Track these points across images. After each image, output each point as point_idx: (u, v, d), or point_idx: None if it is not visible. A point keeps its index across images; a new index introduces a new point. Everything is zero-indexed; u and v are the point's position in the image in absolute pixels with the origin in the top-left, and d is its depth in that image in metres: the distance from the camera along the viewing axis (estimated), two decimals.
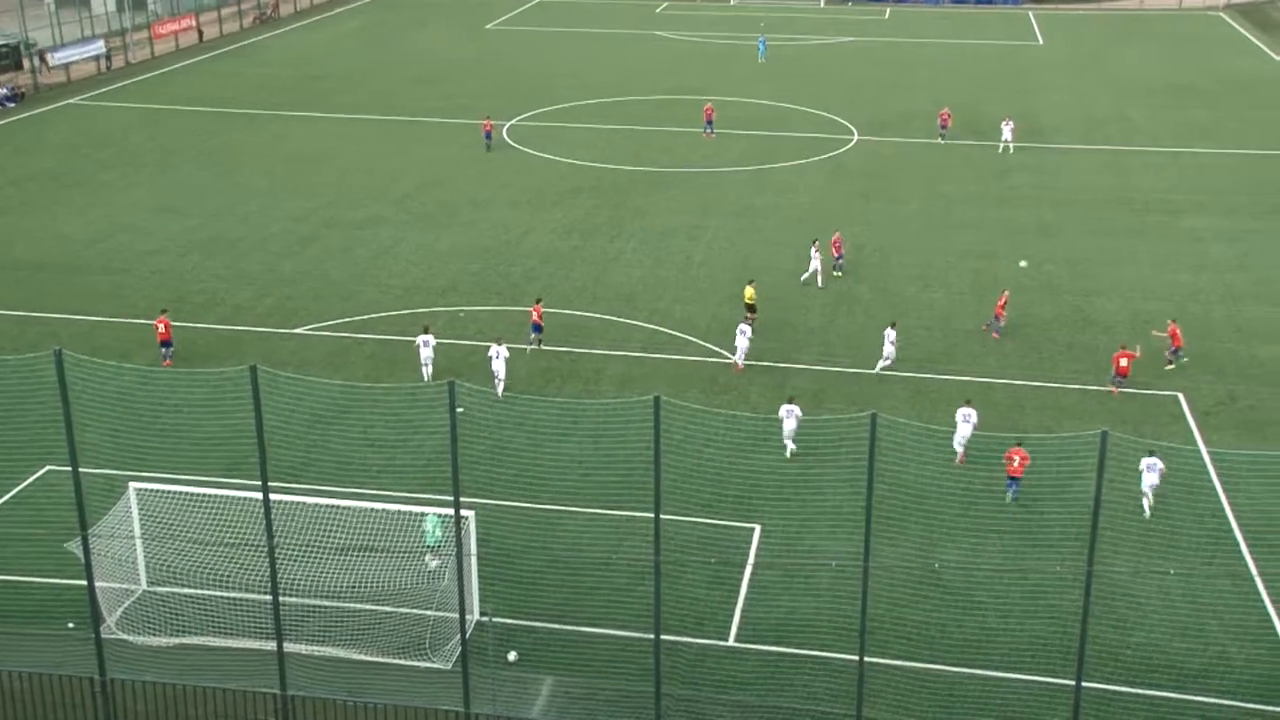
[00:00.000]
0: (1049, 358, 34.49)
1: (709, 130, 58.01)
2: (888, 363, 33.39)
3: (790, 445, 28.84)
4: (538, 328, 34.76)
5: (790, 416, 28.85)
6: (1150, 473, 26.32)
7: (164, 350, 33.89)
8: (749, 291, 36.65)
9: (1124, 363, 32.27)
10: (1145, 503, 26.38)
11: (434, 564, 23.25)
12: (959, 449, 28.50)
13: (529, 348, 34.42)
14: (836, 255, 40.47)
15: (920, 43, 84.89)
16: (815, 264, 39.45)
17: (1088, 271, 40.88)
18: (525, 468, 27.96)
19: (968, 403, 29.01)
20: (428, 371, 32.73)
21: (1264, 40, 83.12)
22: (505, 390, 31.88)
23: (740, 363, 33.66)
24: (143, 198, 49.39)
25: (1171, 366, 33.44)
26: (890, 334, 33.50)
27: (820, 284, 39.19)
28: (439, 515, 23.27)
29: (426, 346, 32.77)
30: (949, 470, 27.44)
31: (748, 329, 34.09)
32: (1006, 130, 55.82)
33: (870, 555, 19.41)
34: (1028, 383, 32.96)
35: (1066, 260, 41.85)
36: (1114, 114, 63.41)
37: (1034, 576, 24.37)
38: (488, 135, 55.99)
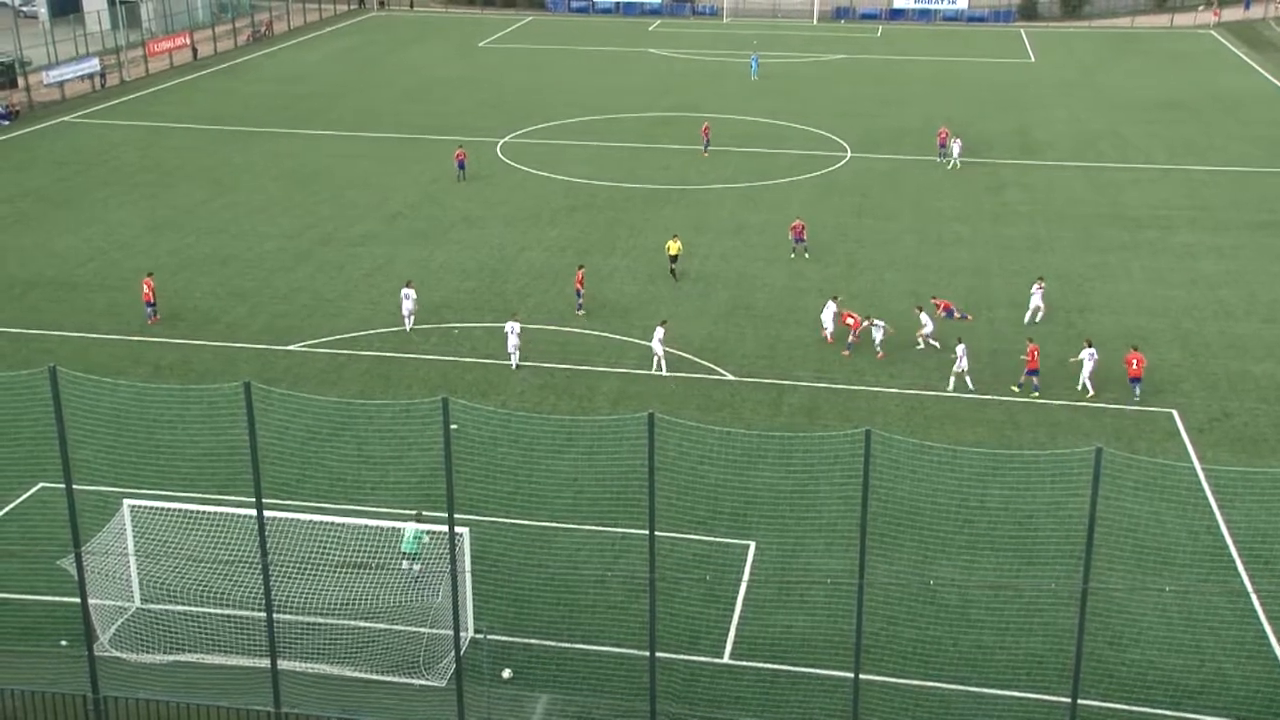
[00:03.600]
0: (1043, 374, 34.49)
1: (706, 149, 58.20)
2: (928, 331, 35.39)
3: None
4: (579, 293, 38.67)
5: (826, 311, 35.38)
6: (1089, 361, 32.86)
7: (149, 309, 37.77)
8: (674, 244, 41.53)
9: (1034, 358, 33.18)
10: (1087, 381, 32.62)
11: (415, 568, 23.35)
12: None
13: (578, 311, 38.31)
14: (797, 239, 43.86)
15: (913, 60, 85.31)
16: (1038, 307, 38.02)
17: (1081, 287, 41.00)
18: (520, 484, 27.93)
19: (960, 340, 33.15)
20: (410, 323, 37.00)
21: (1254, 58, 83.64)
22: (521, 360, 34.51)
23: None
24: (136, 215, 49.40)
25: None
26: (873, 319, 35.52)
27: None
28: (418, 526, 23.58)
29: (408, 300, 36.91)
30: (943, 486, 27.46)
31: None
32: (955, 146, 56.08)
33: (865, 572, 19.42)
34: (1022, 399, 33.01)
35: (1060, 276, 41.96)
36: (1106, 130, 63.72)
37: (1029, 593, 24.37)
38: (460, 165, 53.65)
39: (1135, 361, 32.74)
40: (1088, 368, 33.03)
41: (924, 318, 35.88)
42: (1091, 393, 32.90)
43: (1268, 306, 39.52)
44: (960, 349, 33.42)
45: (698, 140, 59.18)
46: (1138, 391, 32.77)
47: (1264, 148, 59.69)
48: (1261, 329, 37.73)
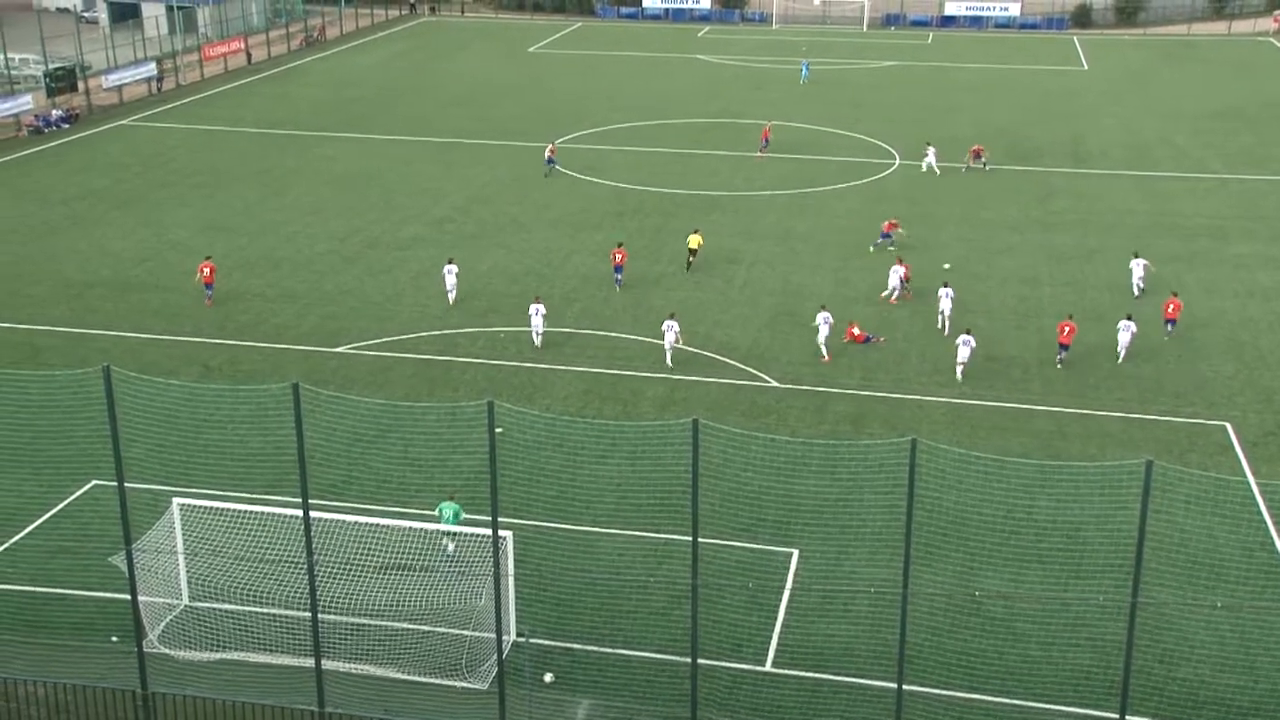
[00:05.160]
0: (1093, 385, 34.13)
1: (764, 149, 58.92)
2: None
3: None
4: (619, 269, 40.98)
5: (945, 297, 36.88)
6: (1124, 333, 35.25)
7: (207, 291, 39.97)
8: (695, 239, 43.22)
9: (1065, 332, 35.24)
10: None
11: (451, 548, 23.73)
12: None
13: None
14: (884, 235, 45.47)
15: (963, 67, 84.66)
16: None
17: (1132, 298, 40.44)
18: (563, 489, 27.99)
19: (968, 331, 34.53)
20: (452, 296, 39.85)
21: None
22: (542, 340, 36.28)
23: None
24: (191, 217, 50.11)
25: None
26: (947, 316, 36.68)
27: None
28: (455, 501, 24.66)
29: (450, 275, 39.81)
30: (990, 497, 27.19)
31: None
32: (930, 153, 56.21)
33: (909, 581, 19.26)
34: (1071, 410, 32.63)
35: (1110, 286, 41.45)
36: (1160, 139, 62.86)
37: (1077, 607, 24.06)
38: (550, 160, 56.00)
39: (1172, 306, 36.94)
40: (1124, 340, 35.33)
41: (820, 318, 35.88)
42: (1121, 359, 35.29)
43: None
44: (962, 339, 34.31)
45: (745, 146, 59.04)
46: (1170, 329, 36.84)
47: None
48: None
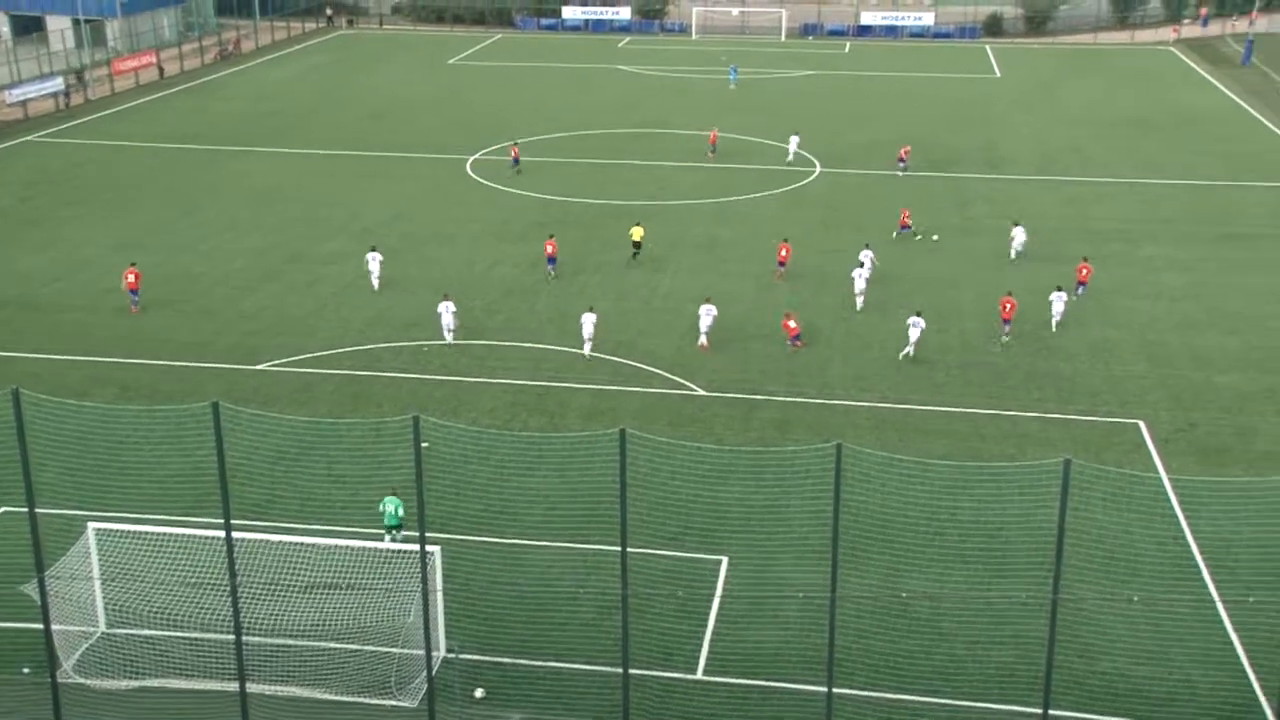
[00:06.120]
0: (1011, 386, 34.80)
1: (712, 153, 61.01)
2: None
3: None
4: (551, 260, 42.91)
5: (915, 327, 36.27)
6: (1058, 303, 38.16)
7: (133, 297, 39.90)
8: (637, 231, 45.01)
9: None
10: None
11: (387, 539, 24.19)
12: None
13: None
14: (903, 228, 48.16)
15: (880, 76, 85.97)
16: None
17: (1046, 300, 41.29)
18: (491, 502, 27.83)
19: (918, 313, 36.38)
20: (377, 283, 41.67)
21: (1213, 74, 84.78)
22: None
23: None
24: (102, 234, 49.01)
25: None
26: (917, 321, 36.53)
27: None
28: (398, 497, 24.93)
29: (374, 261, 41.75)
30: (914, 500, 27.57)
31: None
32: (794, 142, 60.33)
33: (837, 586, 19.45)
34: (991, 411, 33.23)
35: (1027, 289, 42.25)
36: (1071, 145, 64.39)
37: (1000, 605, 24.48)
38: (515, 160, 58.22)
39: (1084, 271, 40.79)
40: (1057, 309, 38.19)
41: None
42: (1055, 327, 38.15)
43: (1229, 318, 39.99)
44: (912, 321, 36.35)
45: (667, 155, 59.34)
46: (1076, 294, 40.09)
47: (1223, 162, 60.49)
48: (1224, 340, 38.16)
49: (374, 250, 42.42)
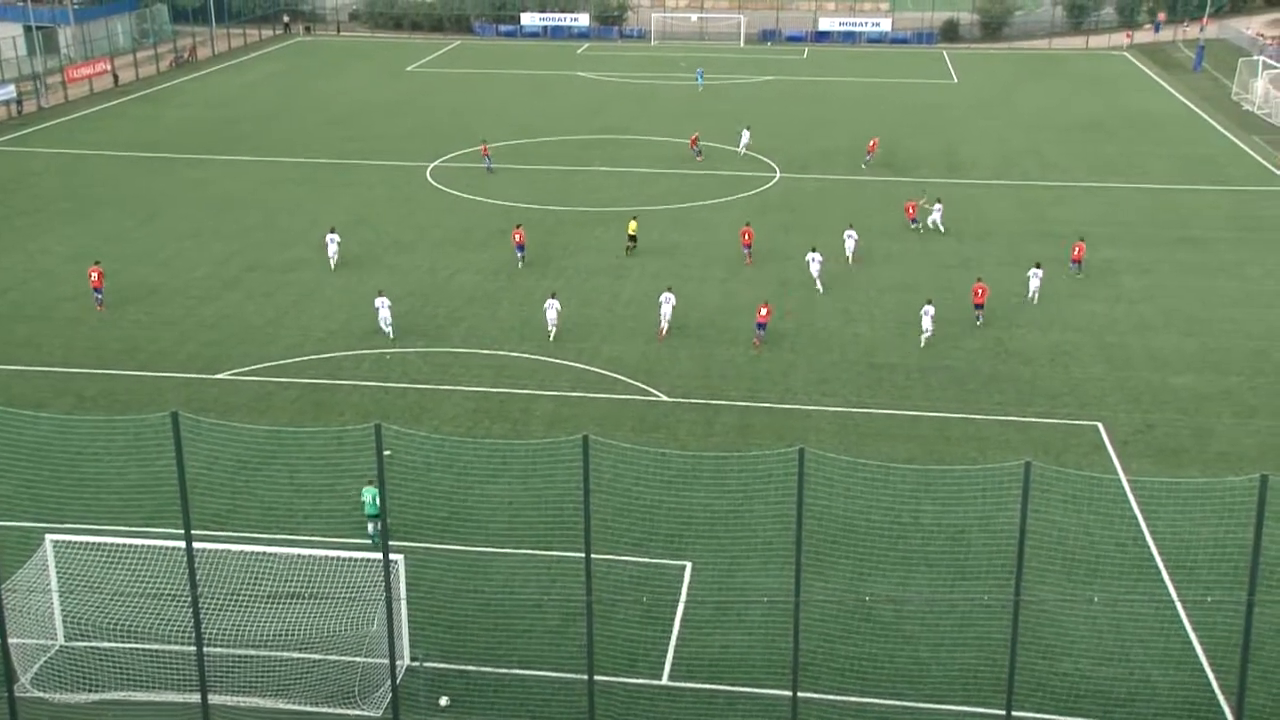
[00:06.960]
0: (972, 390, 35.09)
1: (698, 155, 61.77)
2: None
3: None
4: (521, 248, 44.58)
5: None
6: (1034, 279, 41.33)
7: (97, 295, 40.35)
8: (633, 225, 46.83)
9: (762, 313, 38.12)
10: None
11: (371, 529, 24.72)
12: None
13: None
14: (927, 214, 50.13)
15: (839, 81, 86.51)
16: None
17: (1007, 303, 41.75)
18: (455, 509, 27.72)
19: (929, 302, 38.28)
20: (334, 262, 44.14)
21: (1166, 79, 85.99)
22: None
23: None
24: (58, 244, 48.39)
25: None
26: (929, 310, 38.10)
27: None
28: (374, 487, 24.46)
29: (332, 244, 44.20)
30: (877, 503, 27.75)
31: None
32: (745, 136, 61.90)
33: (801, 590, 19.53)
34: (952, 414, 33.50)
35: (992, 292, 42.64)
36: (1028, 149, 65.09)
37: (963, 607, 24.67)
38: (488, 159, 59.00)
39: (1077, 250, 44.04)
40: (1034, 285, 41.26)
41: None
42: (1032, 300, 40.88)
43: (1185, 321, 40.54)
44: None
45: (628, 161, 59.38)
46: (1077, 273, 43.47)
47: (1178, 166, 61.37)
48: (1181, 342, 38.68)
49: (333, 232, 44.68)
